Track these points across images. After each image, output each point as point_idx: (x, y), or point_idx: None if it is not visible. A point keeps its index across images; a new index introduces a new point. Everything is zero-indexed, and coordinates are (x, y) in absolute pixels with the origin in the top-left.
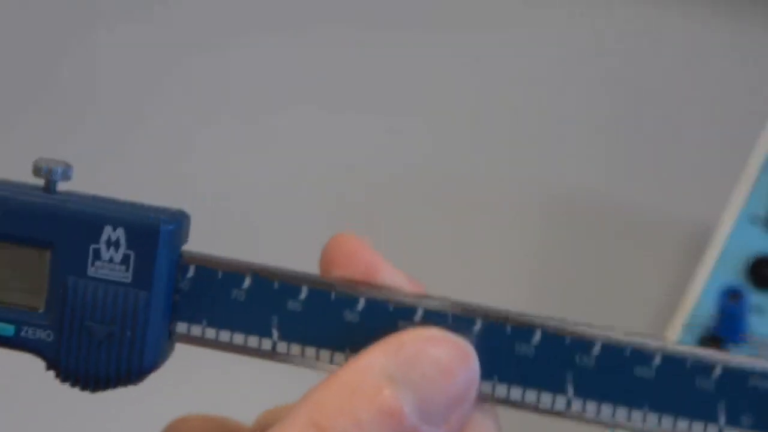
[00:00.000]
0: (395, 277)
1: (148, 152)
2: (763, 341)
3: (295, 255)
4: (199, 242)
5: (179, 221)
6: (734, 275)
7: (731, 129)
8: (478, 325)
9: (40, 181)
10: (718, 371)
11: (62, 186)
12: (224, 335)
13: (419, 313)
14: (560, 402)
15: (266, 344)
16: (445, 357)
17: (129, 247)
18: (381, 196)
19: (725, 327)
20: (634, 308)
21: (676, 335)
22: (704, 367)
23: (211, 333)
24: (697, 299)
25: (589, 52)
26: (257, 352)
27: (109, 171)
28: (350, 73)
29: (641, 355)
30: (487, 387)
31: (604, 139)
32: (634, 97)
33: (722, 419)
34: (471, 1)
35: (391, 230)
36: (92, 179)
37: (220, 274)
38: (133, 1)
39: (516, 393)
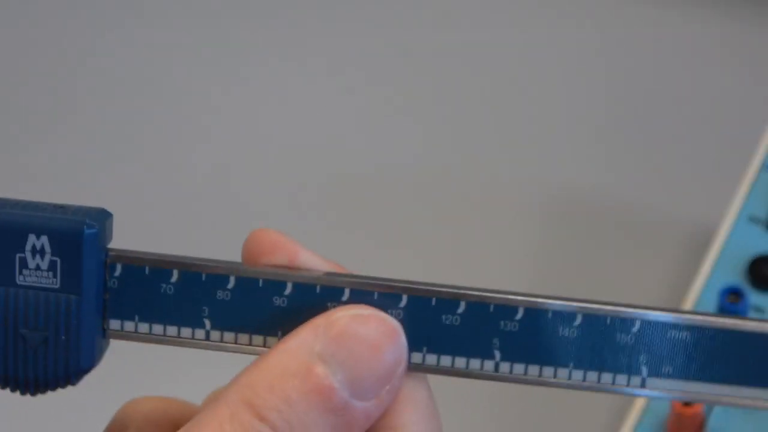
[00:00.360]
0: (316, 262)
1: (146, 142)
2: None
3: None
4: (197, 233)
5: (102, 222)
6: (734, 275)
7: (731, 129)
8: (404, 301)
9: None
10: (637, 326)
11: None
12: (157, 329)
13: (346, 294)
14: (488, 366)
15: (199, 334)
16: (372, 334)
17: (54, 253)
18: (380, 194)
19: None
20: None
21: None
22: (624, 323)
23: (144, 327)
24: (697, 299)
25: (590, 52)
26: (191, 343)
27: (108, 168)
28: (349, 71)
29: (563, 317)
30: (417, 357)
31: (604, 139)
32: (634, 97)
33: (644, 371)
34: (471, 1)
35: (390, 229)
36: (97, 168)
37: (147, 270)
38: None
39: (446, 361)
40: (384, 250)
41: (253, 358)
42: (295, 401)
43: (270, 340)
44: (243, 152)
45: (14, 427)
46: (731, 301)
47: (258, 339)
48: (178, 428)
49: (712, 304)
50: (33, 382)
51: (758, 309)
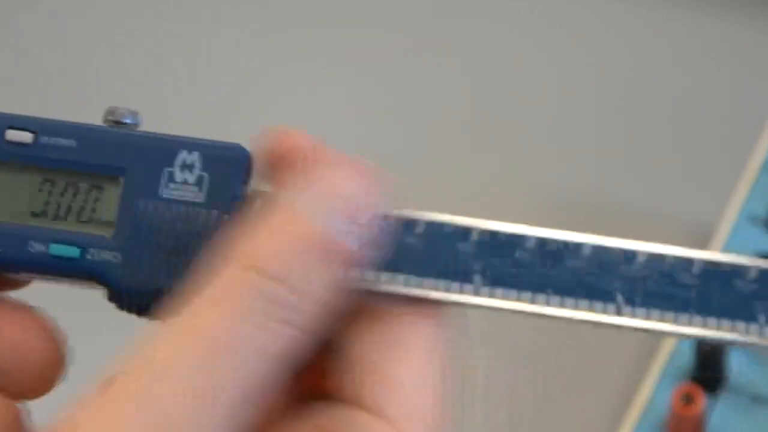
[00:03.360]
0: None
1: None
2: None
3: None
4: None
5: (249, 152)
6: None
7: (731, 129)
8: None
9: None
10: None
11: None
12: None
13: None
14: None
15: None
16: (344, 175)
17: (204, 169)
18: None
19: None
20: None
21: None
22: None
23: None
24: None
25: (591, 52)
26: None
27: None
28: (348, 71)
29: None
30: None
31: (605, 139)
32: (633, 97)
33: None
34: (470, 1)
35: None
36: None
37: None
38: None
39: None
40: None
41: None
42: (297, 256)
43: None
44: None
45: None
46: None
47: None
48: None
49: None
50: (156, 295)
51: None
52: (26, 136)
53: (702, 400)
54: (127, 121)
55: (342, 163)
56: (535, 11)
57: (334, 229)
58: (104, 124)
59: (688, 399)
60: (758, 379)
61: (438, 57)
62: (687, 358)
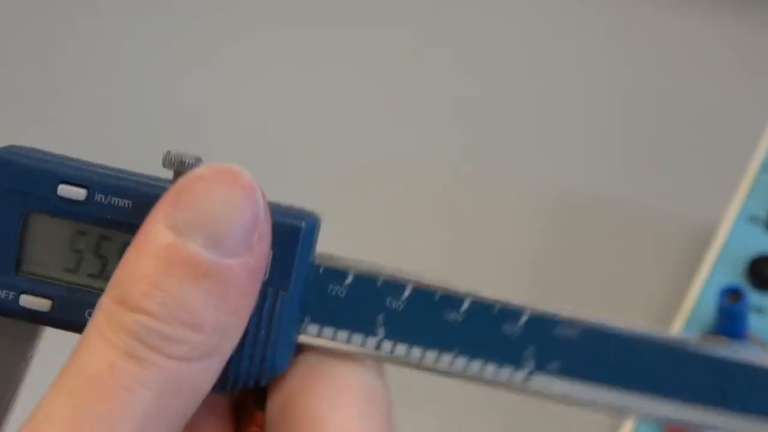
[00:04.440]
0: None
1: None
2: (763, 341)
3: None
4: None
5: (316, 221)
6: (734, 275)
7: (731, 129)
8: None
9: (169, 173)
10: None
11: None
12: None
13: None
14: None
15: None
16: (216, 186)
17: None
18: (377, 194)
19: (725, 327)
20: (634, 308)
21: None
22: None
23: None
24: (697, 299)
25: (590, 51)
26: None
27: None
28: (349, 71)
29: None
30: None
31: (604, 138)
32: (633, 97)
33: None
34: (471, 2)
35: (387, 229)
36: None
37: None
38: None
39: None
40: (373, 249)
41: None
42: (162, 281)
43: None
44: (247, 149)
45: None
46: (731, 301)
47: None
48: None
49: (711, 304)
50: (222, 379)
51: (758, 309)
52: (79, 193)
53: None
54: (185, 171)
55: (210, 175)
56: (534, 12)
57: (216, 250)
58: (169, 170)
59: None
60: None
61: (437, 57)
62: None
